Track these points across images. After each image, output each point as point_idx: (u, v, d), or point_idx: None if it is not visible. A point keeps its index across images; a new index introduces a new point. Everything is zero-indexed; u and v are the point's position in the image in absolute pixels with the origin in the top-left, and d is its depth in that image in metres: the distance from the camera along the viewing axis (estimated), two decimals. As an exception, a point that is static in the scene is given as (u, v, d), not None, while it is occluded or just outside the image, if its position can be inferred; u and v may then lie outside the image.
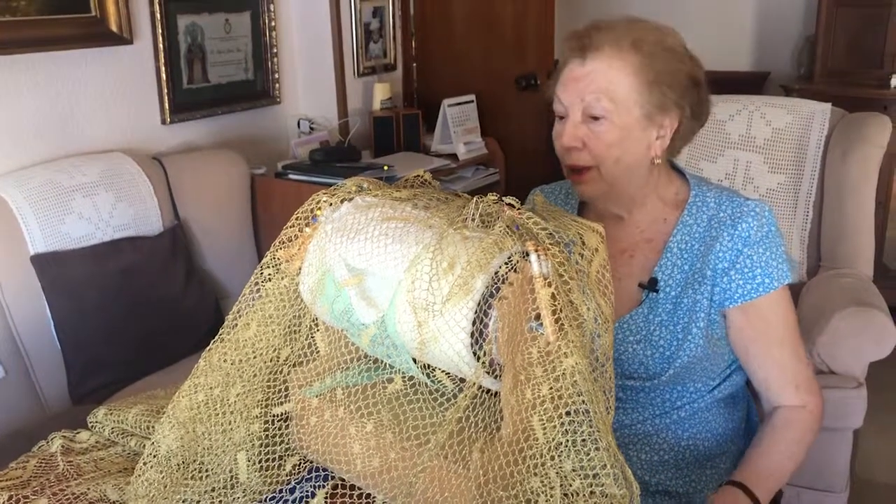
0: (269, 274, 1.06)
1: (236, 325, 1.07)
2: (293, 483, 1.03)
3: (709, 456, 1.32)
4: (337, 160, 2.74)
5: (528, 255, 0.89)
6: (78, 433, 1.26)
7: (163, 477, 1.05)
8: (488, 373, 0.90)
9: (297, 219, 1.04)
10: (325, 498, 1.00)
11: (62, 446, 1.22)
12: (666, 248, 1.31)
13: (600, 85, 1.23)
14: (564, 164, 1.30)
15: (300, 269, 1.03)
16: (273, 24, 2.91)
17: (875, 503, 2.39)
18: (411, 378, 1.02)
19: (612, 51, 1.23)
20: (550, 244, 0.91)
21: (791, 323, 1.29)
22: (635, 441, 1.29)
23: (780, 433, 1.27)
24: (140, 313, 2.13)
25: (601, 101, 1.22)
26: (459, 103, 3.22)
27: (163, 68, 2.53)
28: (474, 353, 0.88)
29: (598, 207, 1.36)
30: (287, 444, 1.07)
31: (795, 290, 2.39)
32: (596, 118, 1.24)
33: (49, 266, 2.01)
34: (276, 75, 2.96)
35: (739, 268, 1.25)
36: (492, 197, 0.98)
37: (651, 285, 1.29)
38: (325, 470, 1.04)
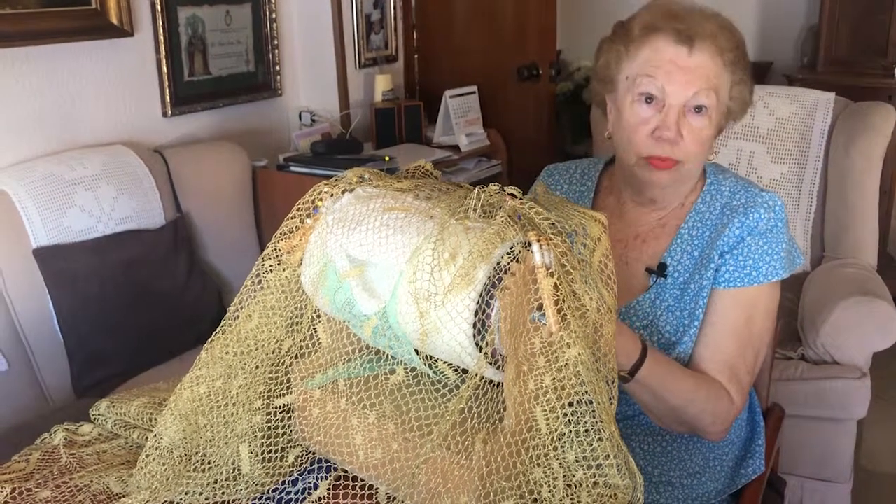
0: (271, 265, 1.05)
1: (238, 316, 1.06)
2: (296, 475, 1.03)
3: (711, 446, 1.31)
4: (338, 152, 2.74)
5: (530, 245, 0.89)
6: (81, 426, 1.26)
7: (165, 469, 1.05)
8: (491, 363, 0.89)
9: (298, 210, 1.04)
10: (328, 489, 1.00)
11: (65, 439, 1.22)
12: (677, 233, 1.30)
13: (709, 81, 1.21)
14: (646, 154, 1.24)
15: (301, 260, 1.03)
16: (274, 15, 2.90)
17: (879, 493, 2.39)
18: (413, 369, 1.01)
19: (713, 45, 1.21)
20: (553, 234, 0.91)
21: (756, 324, 1.24)
22: (638, 432, 1.29)
23: (702, 379, 1.21)
24: (142, 306, 2.13)
25: (709, 96, 1.21)
26: (461, 94, 3.21)
27: (164, 61, 2.52)
28: (476, 344, 0.88)
29: (637, 193, 1.32)
30: (289, 435, 1.07)
31: (799, 280, 2.39)
32: (698, 110, 1.22)
33: (51, 259, 2.01)
34: (278, 67, 2.96)
35: (736, 254, 1.24)
36: (493, 187, 0.97)
37: (660, 270, 1.29)
38: (327, 461, 1.04)
